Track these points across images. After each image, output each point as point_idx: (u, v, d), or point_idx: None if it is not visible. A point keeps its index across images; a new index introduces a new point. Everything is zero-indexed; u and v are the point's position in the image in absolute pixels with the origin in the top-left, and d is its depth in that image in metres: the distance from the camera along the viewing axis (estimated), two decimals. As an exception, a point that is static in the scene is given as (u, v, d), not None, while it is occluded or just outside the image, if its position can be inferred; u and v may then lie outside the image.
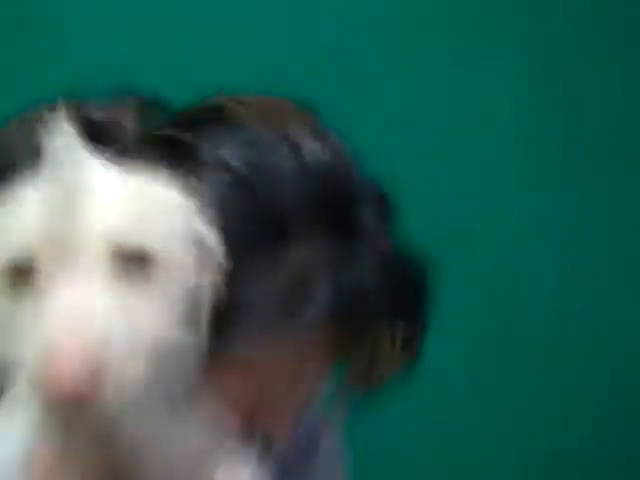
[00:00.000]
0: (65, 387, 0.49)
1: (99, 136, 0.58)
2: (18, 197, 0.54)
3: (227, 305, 0.61)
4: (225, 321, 0.61)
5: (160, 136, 0.62)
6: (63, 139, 0.53)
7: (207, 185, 0.61)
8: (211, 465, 0.63)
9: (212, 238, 0.58)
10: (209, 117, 0.65)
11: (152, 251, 0.55)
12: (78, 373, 0.49)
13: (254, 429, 0.69)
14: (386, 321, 0.69)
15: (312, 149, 0.64)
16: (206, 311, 0.58)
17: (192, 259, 0.57)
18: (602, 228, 1.47)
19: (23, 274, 0.53)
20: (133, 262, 0.54)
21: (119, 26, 1.36)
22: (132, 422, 0.56)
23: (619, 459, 1.48)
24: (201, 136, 0.63)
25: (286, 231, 0.63)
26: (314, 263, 0.64)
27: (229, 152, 0.63)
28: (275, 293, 0.62)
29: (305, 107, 0.67)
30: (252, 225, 0.62)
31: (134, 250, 0.54)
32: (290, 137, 0.64)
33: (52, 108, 0.55)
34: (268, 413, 0.71)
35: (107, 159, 0.56)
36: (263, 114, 0.66)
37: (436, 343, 0.74)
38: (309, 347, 0.67)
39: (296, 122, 0.66)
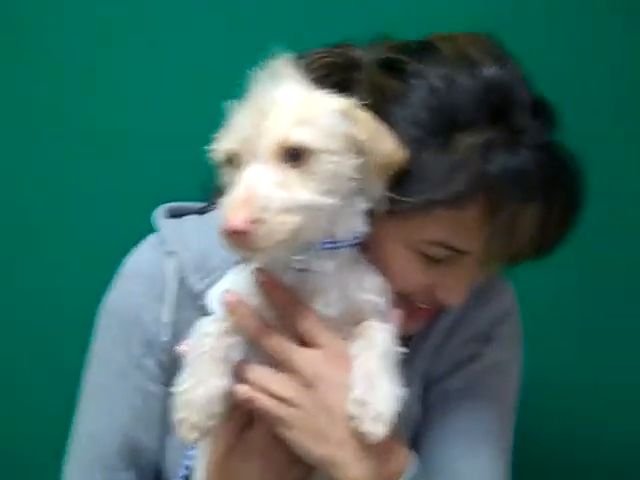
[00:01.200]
0: (230, 223, 0.82)
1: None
2: (241, 108, 0.90)
3: (405, 172, 0.94)
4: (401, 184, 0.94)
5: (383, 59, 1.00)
6: (270, 69, 0.89)
7: (409, 91, 0.97)
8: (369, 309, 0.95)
9: (362, 136, 0.90)
10: (423, 47, 1.01)
11: (314, 147, 0.87)
12: (240, 215, 0.82)
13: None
14: (540, 204, 0.97)
15: (490, 69, 0.96)
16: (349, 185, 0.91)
17: (343, 151, 0.89)
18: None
19: (235, 158, 0.89)
20: (297, 154, 0.86)
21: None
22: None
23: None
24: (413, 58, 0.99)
25: (457, 123, 0.94)
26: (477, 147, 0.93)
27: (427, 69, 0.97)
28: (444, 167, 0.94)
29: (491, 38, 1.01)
30: (432, 115, 0.95)
31: (300, 146, 0.86)
32: (473, 60, 0.97)
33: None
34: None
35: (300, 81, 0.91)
36: (458, 46, 0.99)
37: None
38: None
39: (481, 49, 0.98)
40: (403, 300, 1.01)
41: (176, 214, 1.22)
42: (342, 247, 0.94)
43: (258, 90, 0.90)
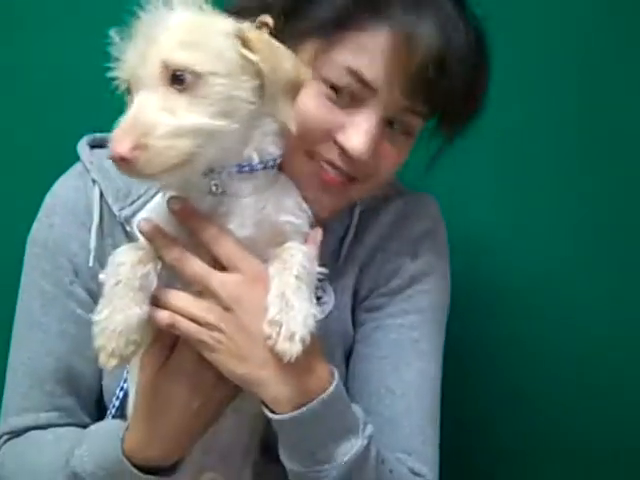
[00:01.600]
0: (115, 150, 0.83)
1: None
2: (135, 34, 0.88)
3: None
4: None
5: None
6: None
7: None
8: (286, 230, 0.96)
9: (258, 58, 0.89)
10: None
11: (199, 69, 0.86)
12: (124, 143, 0.82)
13: None
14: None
15: None
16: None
17: (234, 74, 0.88)
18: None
19: (130, 86, 0.89)
20: (182, 77, 0.86)
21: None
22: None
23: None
24: None
25: None
26: None
27: None
28: None
29: None
30: None
31: (184, 68, 0.85)
32: None
33: None
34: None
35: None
36: None
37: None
38: None
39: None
40: (311, 165, 1.03)
41: (99, 144, 1.21)
42: (257, 170, 0.94)
43: (147, 17, 0.89)
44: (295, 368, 0.94)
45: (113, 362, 0.90)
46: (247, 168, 0.94)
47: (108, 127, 1.18)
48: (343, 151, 1.03)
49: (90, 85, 1.39)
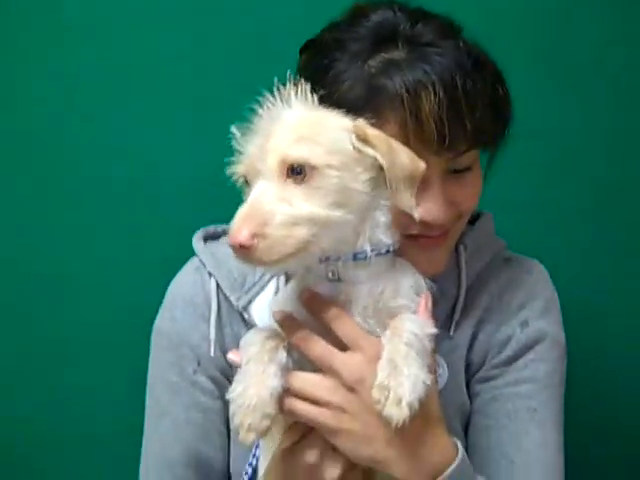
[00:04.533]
0: (234, 238, 0.87)
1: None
2: (254, 130, 0.95)
3: None
4: None
5: None
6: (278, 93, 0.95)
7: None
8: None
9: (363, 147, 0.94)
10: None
11: (315, 162, 0.90)
12: (243, 231, 0.87)
13: None
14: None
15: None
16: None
17: (346, 165, 0.92)
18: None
19: (247, 179, 0.95)
20: (299, 170, 0.90)
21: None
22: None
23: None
24: None
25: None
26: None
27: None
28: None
29: None
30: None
31: (301, 162, 0.90)
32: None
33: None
34: None
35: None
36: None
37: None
38: None
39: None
40: (407, 240, 1.06)
41: (213, 237, 1.29)
42: (371, 257, 0.97)
43: (265, 113, 0.94)
44: (421, 443, 0.96)
45: (252, 437, 0.93)
46: (361, 255, 0.97)
47: (221, 219, 1.28)
48: (427, 223, 1.07)
49: (205, 181, 1.49)
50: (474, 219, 1.24)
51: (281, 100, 0.95)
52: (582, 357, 1.50)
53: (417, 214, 0.97)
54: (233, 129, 0.96)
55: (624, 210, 1.60)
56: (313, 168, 0.90)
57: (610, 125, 1.58)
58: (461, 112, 1.03)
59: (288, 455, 1.01)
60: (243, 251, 0.87)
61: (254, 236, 0.87)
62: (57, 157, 1.50)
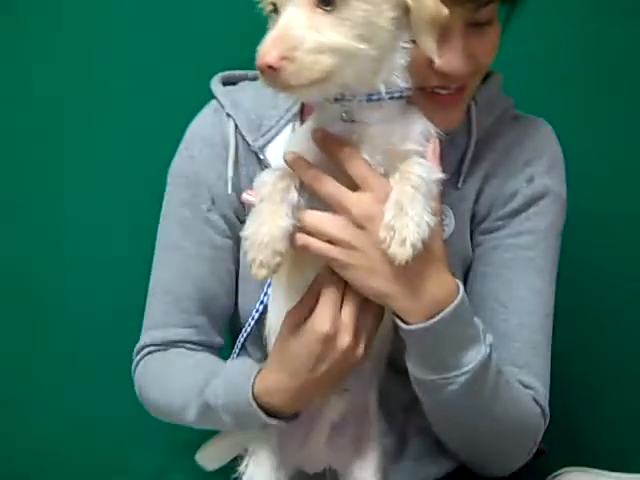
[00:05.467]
0: (263, 59, 0.88)
1: None
2: None
3: None
4: None
5: None
6: None
7: None
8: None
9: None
10: None
11: None
12: (273, 52, 0.88)
13: None
14: None
15: None
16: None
17: (374, 1, 0.92)
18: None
19: (277, 7, 0.94)
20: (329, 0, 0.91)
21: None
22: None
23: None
24: None
25: None
26: None
27: None
28: None
29: None
30: None
31: None
32: None
33: None
34: None
35: None
36: None
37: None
38: None
39: None
40: (425, 96, 1.09)
41: (231, 81, 1.32)
42: (385, 99, 0.99)
43: None
44: (423, 280, 1.00)
45: (263, 272, 0.97)
46: (375, 97, 0.99)
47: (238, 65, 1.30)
48: (446, 75, 1.09)
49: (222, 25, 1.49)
50: (484, 78, 1.25)
51: None
52: (582, 217, 1.55)
53: (437, 59, 0.99)
54: None
55: (631, 77, 1.63)
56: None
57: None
58: None
59: (298, 331, 1.05)
60: (271, 73, 0.88)
61: (283, 58, 0.88)
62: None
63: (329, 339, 1.03)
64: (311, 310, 1.04)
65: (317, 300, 1.04)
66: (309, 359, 1.04)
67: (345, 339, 1.03)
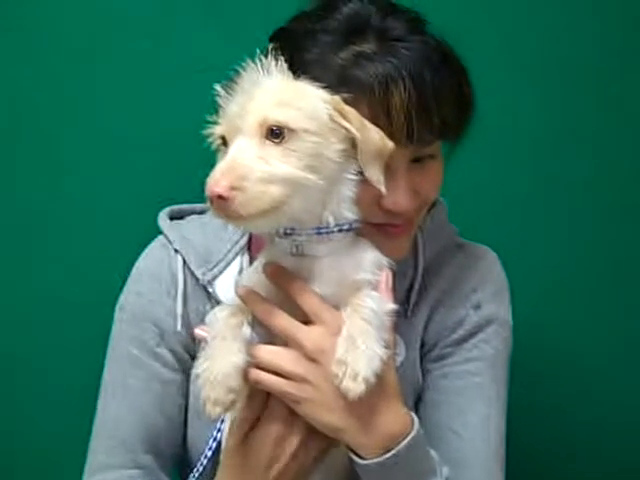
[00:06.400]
0: (212, 189, 0.89)
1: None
2: (230, 95, 0.98)
3: None
4: None
5: None
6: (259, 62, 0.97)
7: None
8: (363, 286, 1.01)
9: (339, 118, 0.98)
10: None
11: (293, 126, 0.94)
12: (222, 182, 0.89)
13: None
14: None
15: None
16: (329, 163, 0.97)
17: (322, 132, 0.96)
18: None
19: (226, 139, 0.97)
20: (278, 132, 0.94)
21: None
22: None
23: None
24: None
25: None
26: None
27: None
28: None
29: None
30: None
31: (280, 124, 0.94)
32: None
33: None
34: None
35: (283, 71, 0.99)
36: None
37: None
38: None
39: None
40: (372, 227, 1.10)
41: (178, 216, 1.33)
42: (334, 232, 1.01)
43: (247, 78, 0.97)
44: (377, 414, 1.00)
45: (217, 410, 0.96)
46: (324, 230, 1.00)
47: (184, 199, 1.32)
48: (392, 212, 1.11)
49: (166, 157, 1.51)
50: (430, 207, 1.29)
51: (262, 68, 0.98)
52: (528, 342, 1.57)
53: (384, 189, 1.01)
54: (217, 88, 0.99)
55: (571, 203, 1.69)
56: (291, 131, 0.94)
57: (564, 120, 1.67)
58: (429, 107, 1.07)
59: (249, 435, 1.05)
60: (220, 203, 0.89)
61: (233, 188, 0.89)
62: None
63: (280, 440, 1.03)
64: (259, 414, 1.04)
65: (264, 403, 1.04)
66: (261, 461, 1.04)
67: (295, 440, 1.03)
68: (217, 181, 0.90)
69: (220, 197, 0.89)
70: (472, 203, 1.61)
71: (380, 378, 0.96)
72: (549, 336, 1.71)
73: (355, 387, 0.94)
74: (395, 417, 1.02)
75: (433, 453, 1.07)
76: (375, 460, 1.00)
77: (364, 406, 0.98)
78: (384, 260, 1.05)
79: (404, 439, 1.01)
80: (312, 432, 1.04)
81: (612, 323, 1.72)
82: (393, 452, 1.00)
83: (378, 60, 1.06)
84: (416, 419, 1.05)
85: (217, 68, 0.99)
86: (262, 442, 1.04)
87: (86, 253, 1.59)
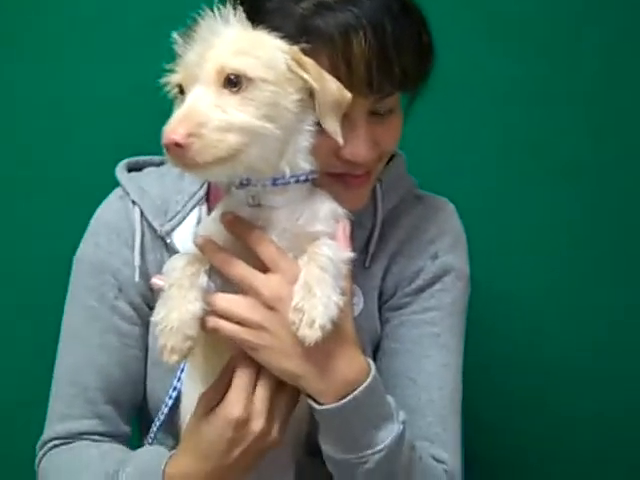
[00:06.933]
0: (169, 136, 0.89)
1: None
2: (189, 43, 0.96)
3: None
4: None
5: None
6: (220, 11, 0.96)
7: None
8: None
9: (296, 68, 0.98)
10: None
11: (251, 74, 0.94)
12: (179, 130, 0.89)
13: None
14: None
15: None
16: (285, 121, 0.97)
17: (279, 82, 0.96)
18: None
19: (184, 88, 0.96)
20: (236, 80, 0.93)
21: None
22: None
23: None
24: None
25: None
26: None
27: None
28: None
29: None
30: None
31: (238, 72, 0.93)
32: None
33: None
34: None
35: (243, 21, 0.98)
36: None
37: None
38: None
39: None
40: (334, 180, 1.12)
41: (136, 168, 1.32)
42: (290, 183, 1.02)
43: (205, 27, 0.96)
44: (334, 360, 1.01)
45: (174, 358, 0.97)
46: (280, 181, 1.01)
47: (143, 151, 1.31)
48: (351, 162, 1.12)
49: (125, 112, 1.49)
50: (389, 159, 1.30)
51: (220, 17, 0.97)
52: (488, 294, 1.61)
53: (341, 140, 1.02)
54: (175, 36, 0.98)
55: (528, 154, 1.70)
56: (249, 80, 0.94)
57: (523, 71, 1.67)
58: (389, 57, 1.07)
59: (210, 415, 1.05)
60: (177, 150, 0.89)
61: (190, 135, 0.89)
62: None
63: (241, 424, 1.02)
64: (224, 393, 1.04)
65: (230, 383, 1.04)
66: (221, 444, 1.03)
67: (258, 424, 1.03)
68: (174, 128, 0.89)
69: (177, 145, 0.89)
70: (430, 156, 1.62)
71: (337, 325, 0.97)
72: (505, 287, 1.73)
73: (312, 334, 0.95)
74: (352, 363, 1.03)
75: (390, 399, 1.09)
76: (332, 405, 1.01)
77: (321, 353, 0.99)
78: (341, 211, 1.05)
79: (361, 384, 1.02)
80: (274, 414, 1.05)
81: (564, 270, 1.74)
82: (350, 397, 1.01)
83: (338, 9, 1.05)
84: (373, 365, 1.06)
85: (175, 17, 0.97)
86: (220, 427, 1.04)
87: (45, 206, 1.58)
